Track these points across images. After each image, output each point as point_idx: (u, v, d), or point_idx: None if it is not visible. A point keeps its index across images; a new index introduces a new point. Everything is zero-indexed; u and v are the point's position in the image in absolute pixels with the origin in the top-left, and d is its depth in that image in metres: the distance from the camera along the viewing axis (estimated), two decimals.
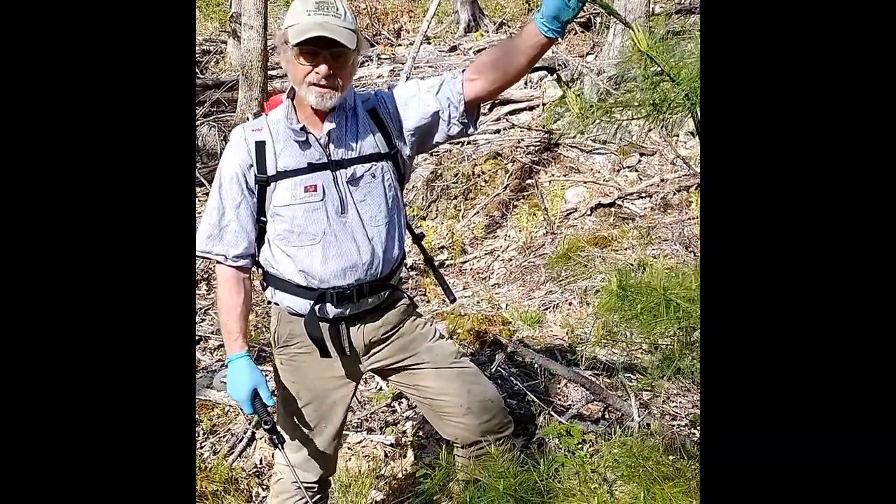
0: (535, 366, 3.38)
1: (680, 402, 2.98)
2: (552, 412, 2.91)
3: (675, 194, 4.80)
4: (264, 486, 2.82)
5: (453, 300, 2.32)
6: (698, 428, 2.77)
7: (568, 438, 2.57)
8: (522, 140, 5.70)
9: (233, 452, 3.00)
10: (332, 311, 1.97)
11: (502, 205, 5.26)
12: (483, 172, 5.54)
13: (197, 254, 2.00)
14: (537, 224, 4.92)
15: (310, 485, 2.10)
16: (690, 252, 4.06)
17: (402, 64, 7.13)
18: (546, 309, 4.01)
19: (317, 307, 1.95)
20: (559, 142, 5.62)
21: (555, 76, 6.20)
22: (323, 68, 1.81)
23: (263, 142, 1.92)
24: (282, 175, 1.91)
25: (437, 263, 4.79)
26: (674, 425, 2.80)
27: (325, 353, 2.00)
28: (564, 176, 5.38)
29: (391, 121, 1.97)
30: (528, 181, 5.39)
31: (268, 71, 6.68)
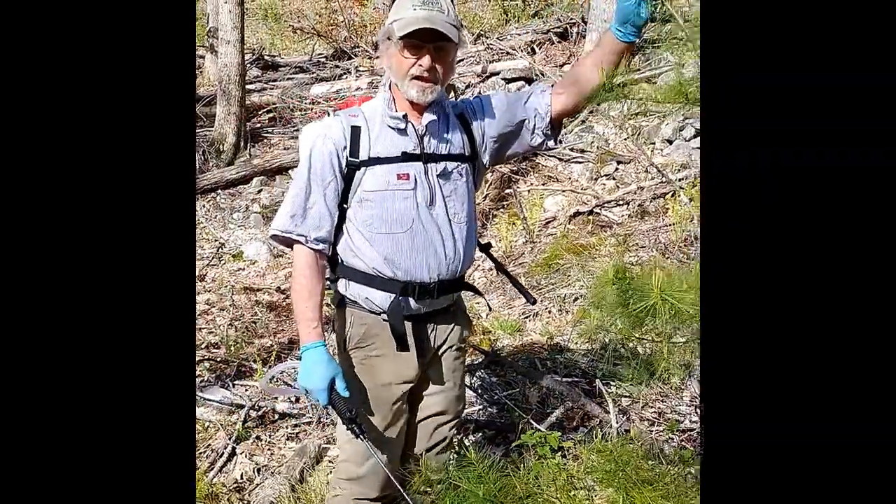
0: (515, 374, 3.40)
1: (658, 408, 3.00)
2: (532, 420, 2.92)
3: (651, 202, 4.85)
4: (245, 502, 2.81)
5: (533, 302, 2.31)
6: (676, 433, 2.80)
7: (546, 445, 2.58)
8: None
9: (213, 468, 2.98)
10: (413, 305, 1.96)
11: (482, 215, 5.28)
12: None
13: (277, 234, 1.94)
14: (517, 233, 4.95)
15: (369, 502, 2.05)
16: (667, 258, 4.10)
17: (381, 76, 7.16)
18: (526, 317, 4.03)
19: (399, 299, 1.93)
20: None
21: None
22: (426, 60, 1.84)
23: (359, 127, 1.92)
24: (374, 161, 1.91)
25: None
26: (652, 430, 2.83)
27: (403, 346, 1.95)
28: (543, 185, 5.42)
29: (476, 126, 2.01)
30: (508, 191, 5.43)
31: (245, 85, 6.69)
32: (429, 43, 1.83)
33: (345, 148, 1.91)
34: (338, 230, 1.96)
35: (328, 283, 2.03)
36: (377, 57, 9.12)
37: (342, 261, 1.98)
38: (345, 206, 1.93)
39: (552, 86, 1.98)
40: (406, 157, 1.91)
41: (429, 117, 1.92)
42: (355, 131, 1.91)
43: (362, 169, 1.90)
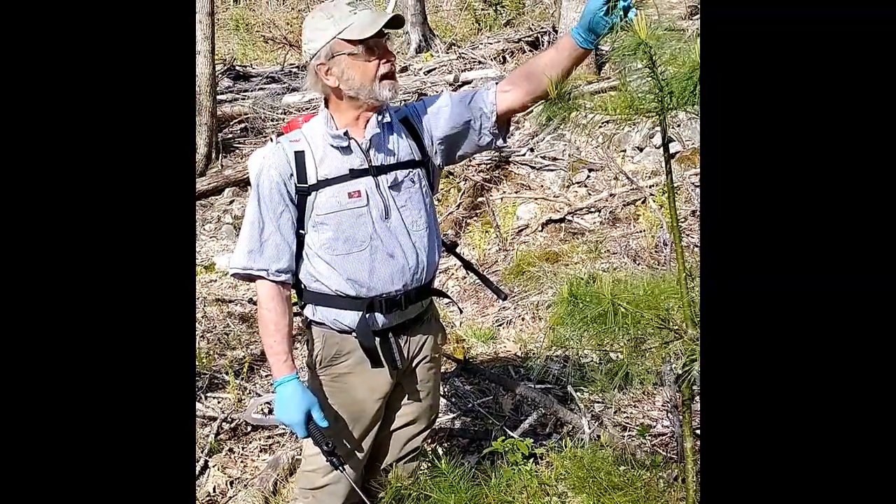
0: (489, 382, 3.41)
1: (630, 413, 3.03)
2: (505, 427, 2.93)
3: (622, 208, 4.89)
4: None
5: (504, 297, 2.30)
6: (648, 437, 2.82)
7: (519, 452, 2.59)
8: (474, 158, 5.76)
9: None
10: (381, 319, 1.95)
11: (456, 223, 5.29)
12: None
13: (237, 272, 1.93)
14: (490, 241, 4.96)
15: None
16: (638, 265, 4.14)
17: None
18: (500, 325, 4.04)
19: (366, 316, 1.92)
20: (510, 159, 5.70)
21: None
22: (390, 55, 1.86)
23: (302, 151, 1.89)
24: (323, 183, 1.88)
25: None
26: (624, 436, 2.85)
27: (376, 363, 1.95)
28: (516, 193, 5.45)
29: (422, 129, 1.98)
30: (481, 199, 5.45)
31: (217, 96, 6.66)
32: (381, 38, 1.83)
33: (291, 175, 1.89)
34: (298, 257, 1.94)
35: (296, 309, 2.02)
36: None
37: (305, 287, 1.97)
38: (301, 232, 1.92)
39: (497, 83, 1.96)
40: (354, 173, 1.89)
41: (371, 130, 1.89)
42: (299, 156, 1.89)
43: (313, 193, 1.89)
